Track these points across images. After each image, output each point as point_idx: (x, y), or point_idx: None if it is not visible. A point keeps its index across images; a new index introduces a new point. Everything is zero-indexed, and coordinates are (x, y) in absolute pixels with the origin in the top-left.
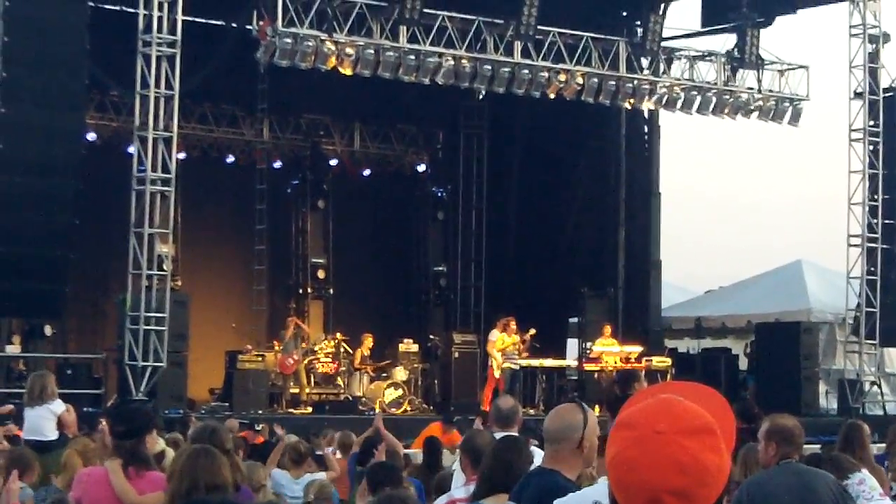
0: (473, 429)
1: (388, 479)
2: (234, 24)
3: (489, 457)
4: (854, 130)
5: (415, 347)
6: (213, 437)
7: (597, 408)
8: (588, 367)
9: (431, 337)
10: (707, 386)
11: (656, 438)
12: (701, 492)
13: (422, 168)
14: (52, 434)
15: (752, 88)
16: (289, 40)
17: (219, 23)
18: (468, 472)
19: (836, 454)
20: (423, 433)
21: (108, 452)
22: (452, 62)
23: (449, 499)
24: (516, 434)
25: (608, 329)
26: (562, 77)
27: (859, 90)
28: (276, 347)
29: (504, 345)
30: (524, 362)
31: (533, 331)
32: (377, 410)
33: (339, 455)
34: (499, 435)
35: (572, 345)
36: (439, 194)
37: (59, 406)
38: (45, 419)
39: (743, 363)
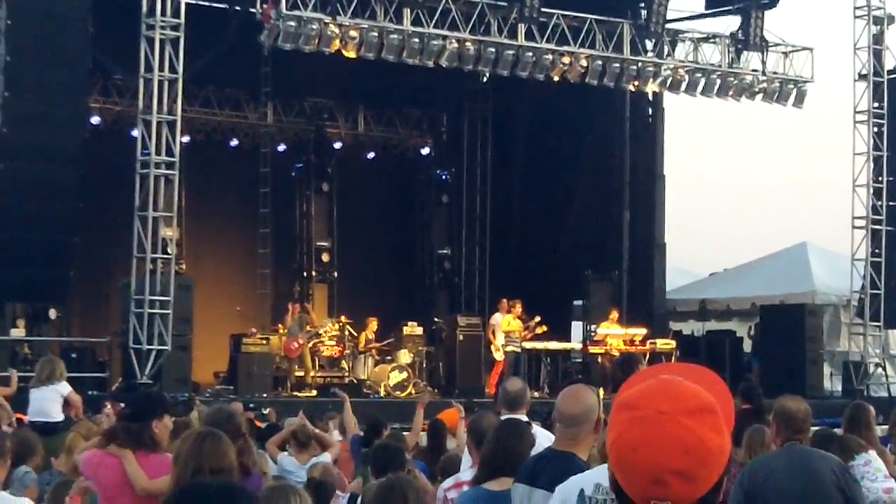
0: (479, 411)
1: (391, 462)
2: (237, 7)
3: (490, 441)
4: (858, 112)
5: (419, 330)
6: (229, 421)
7: (601, 391)
8: (593, 349)
9: (436, 320)
10: (706, 368)
11: (659, 418)
12: (702, 472)
13: (426, 151)
14: (58, 416)
15: (756, 70)
16: (292, 23)
17: (222, 6)
18: (474, 455)
19: (843, 435)
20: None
21: (102, 433)
22: (456, 45)
23: (456, 481)
24: (523, 417)
25: (615, 314)
26: (566, 59)
27: (864, 72)
28: (281, 331)
29: (509, 327)
30: (528, 345)
31: (538, 318)
32: (340, 394)
33: (339, 437)
34: (506, 417)
35: (577, 328)
36: (443, 177)
37: (65, 388)
38: (51, 401)
39: (747, 346)
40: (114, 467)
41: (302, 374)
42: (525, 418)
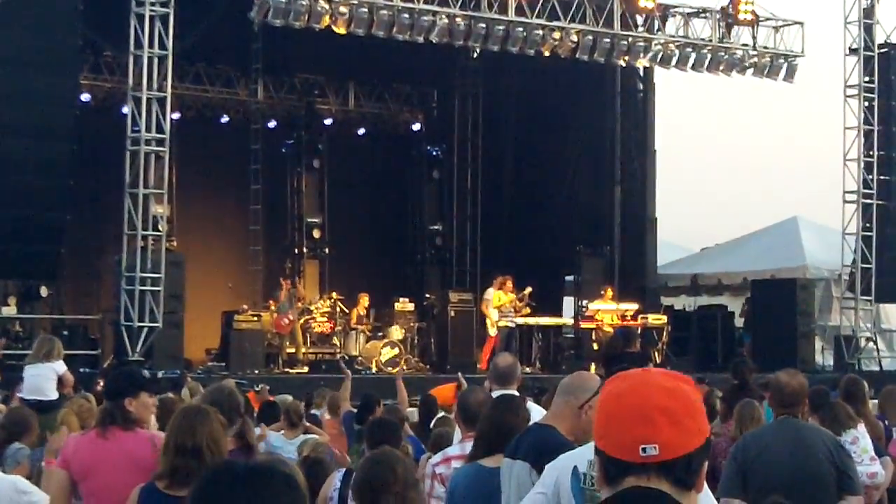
0: (468, 387)
1: (387, 437)
2: None
3: (486, 417)
4: (849, 87)
5: (411, 306)
6: (230, 398)
7: (592, 366)
8: (584, 325)
9: (427, 296)
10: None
11: (641, 376)
12: (686, 420)
13: (417, 127)
14: (53, 394)
15: (746, 45)
16: None
17: None
18: (462, 430)
19: (838, 402)
20: (439, 392)
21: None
22: (447, 20)
23: (444, 456)
24: (514, 392)
25: (609, 292)
26: (556, 35)
27: (854, 46)
28: (272, 307)
29: (501, 302)
30: (521, 320)
31: (529, 289)
32: (395, 373)
33: (328, 416)
34: (496, 393)
35: (568, 303)
36: (434, 153)
37: (61, 366)
38: (46, 378)
39: (739, 321)
40: (85, 443)
41: (293, 350)
42: (516, 393)
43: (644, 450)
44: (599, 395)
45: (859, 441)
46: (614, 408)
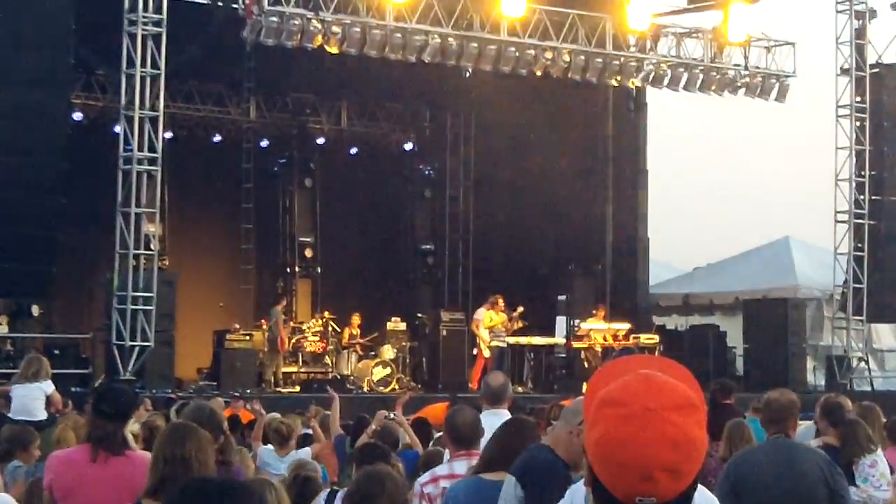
0: (457, 406)
1: (374, 461)
2: (220, 3)
3: (496, 437)
4: (841, 107)
5: (402, 326)
6: (210, 418)
7: (584, 385)
8: (576, 344)
9: (419, 315)
10: (673, 361)
11: (647, 416)
12: (688, 467)
13: (409, 146)
14: (42, 414)
15: (738, 65)
16: (275, 19)
17: (205, 1)
18: (450, 449)
19: (857, 422)
20: (429, 411)
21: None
22: (439, 40)
23: (432, 476)
24: (503, 411)
25: (601, 311)
26: (548, 55)
27: (846, 66)
28: (264, 326)
29: (492, 322)
30: (512, 340)
31: (521, 308)
32: (331, 393)
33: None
34: (489, 411)
35: (560, 322)
36: (426, 172)
37: (49, 386)
38: (35, 399)
39: (731, 341)
40: (74, 463)
41: (293, 369)
42: (507, 413)
43: (641, 500)
44: (597, 426)
45: (878, 465)
46: (617, 458)
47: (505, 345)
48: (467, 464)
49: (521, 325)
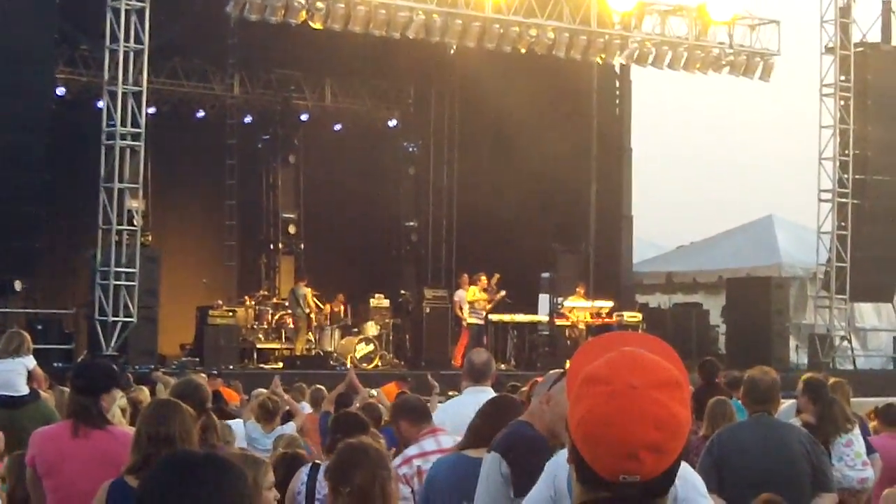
0: (403, 395)
1: (353, 430)
2: None
3: (481, 414)
4: (825, 86)
5: (386, 303)
6: (196, 392)
7: (567, 362)
8: (559, 322)
9: (402, 292)
10: (656, 337)
11: (631, 393)
12: (672, 445)
13: (393, 123)
14: (24, 389)
15: (723, 43)
16: None
17: None
18: (396, 433)
19: (836, 401)
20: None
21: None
22: (423, 16)
23: (404, 458)
24: (486, 389)
25: (582, 289)
26: (533, 32)
27: (830, 45)
28: (248, 302)
29: (474, 298)
30: (495, 317)
31: (497, 275)
32: (349, 366)
33: (309, 410)
34: (473, 388)
35: (544, 300)
36: (410, 149)
37: (31, 361)
38: (16, 374)
39: (713, 319)
40: (56, 439)
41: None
42: (491, 390)
43: (625, 478)
44: (581, 404)
45: (853, 444)
46: (601, 436)
47: (483, 322)
48: (434, 440)
49: (501, 294)
